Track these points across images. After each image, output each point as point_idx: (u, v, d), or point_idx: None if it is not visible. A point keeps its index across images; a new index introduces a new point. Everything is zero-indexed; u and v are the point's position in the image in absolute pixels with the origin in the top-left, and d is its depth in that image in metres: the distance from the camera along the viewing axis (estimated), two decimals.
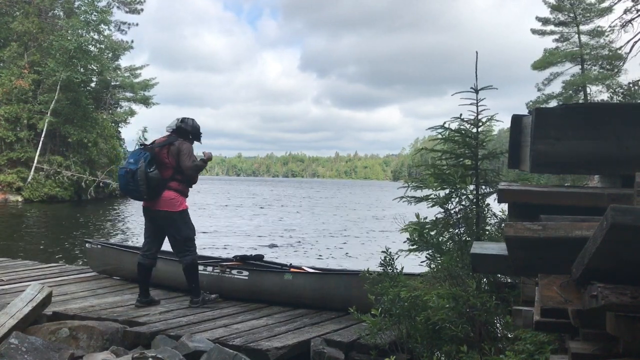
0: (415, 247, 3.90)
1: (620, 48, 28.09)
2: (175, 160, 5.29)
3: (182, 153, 5.28)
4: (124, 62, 61.67)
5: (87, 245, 7.12)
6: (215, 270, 5.75)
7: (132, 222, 20.79)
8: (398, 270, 4.06)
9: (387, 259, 4.07)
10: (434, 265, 3.84)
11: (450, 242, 3.94)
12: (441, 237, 3.92)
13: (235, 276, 5.64)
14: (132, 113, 47.09)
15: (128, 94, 47.10)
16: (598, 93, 39.55)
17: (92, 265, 6.98)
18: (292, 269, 5.95)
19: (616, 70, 36.29)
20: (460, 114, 3.98)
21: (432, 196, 4.07)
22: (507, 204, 2.54)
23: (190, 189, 5.53)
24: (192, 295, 5.37)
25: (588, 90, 40.28)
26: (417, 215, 3.94)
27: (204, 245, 12.48)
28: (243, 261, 6.18)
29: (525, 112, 2.57)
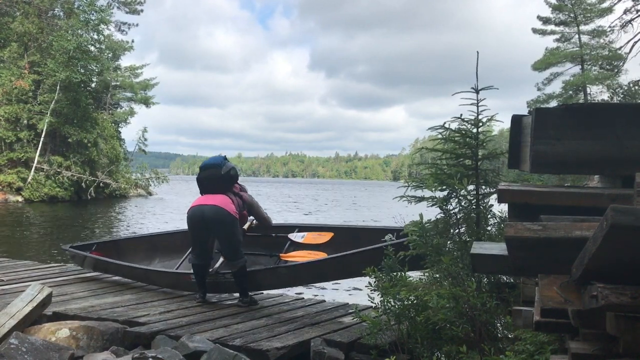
0: (415, 247, 3.89)
1: (620, 48, 28.07)
2: None
3: None
4: (127, 61, 61.79)
5: (69, 250, 6.86)
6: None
7: (132, 222, 20.80)
8: (400, 269, 4.04)
9: (389, 259, 4.06)
10: (434, 266, 3.83)
11: (451, 242, 3.93)
12: (441, 238, 3.91)
13: (230, 280, 5.60)
14: (132, 113, 47.15)
15: (128, 94, 47.17)
16: (598, 93, 39.56)
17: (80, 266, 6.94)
18: (281, 256, 5.89)
19: (616, 70, 36.29)
20: (461, 114, 3.98)
21: (433, 197, 4.07)
22: (507, 204, 2.54)
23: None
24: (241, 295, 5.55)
25: (588, 90, 40.26)
26: (421, 215, 3.94)
27: None
28: None
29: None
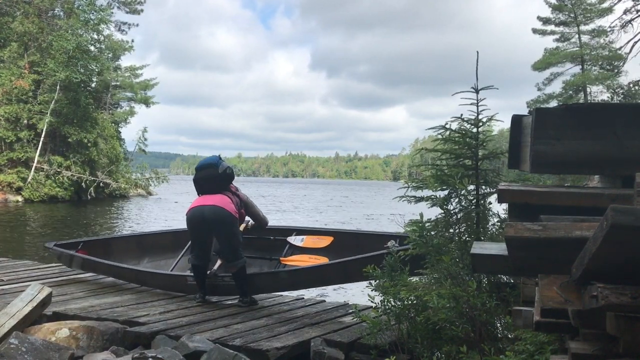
0: (415, 247, 3.89)
1: (620, 48, 28.07)
2: None
3: None
4: (128, 61, 61.90)
5: (53, 248, 6.67)
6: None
7: (132, 222, 20.79)
8: (402, 268, 4.04)
9: (390, 258, 4.06)
10: (434, 265, 3.83)
11: (451, 242, 3.93)
12: (442, 237, 3.91)
13: (229, 283, 5.60)
14: (132, 113, 47.16)
15: (128, 94, 47.18)
16: (598, 93, 39.57)
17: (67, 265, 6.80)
18: (282, 260, 5.89)
19: (616, 70, 36.28)
20: (461, 114, 3.98)
21: (433, 197, 4.07)
22: (507, 204, 2.54)
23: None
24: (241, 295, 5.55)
25: (588, 90, 40.26)
26: (421, 215, 3.94)
27: None
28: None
29: None
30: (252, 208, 5.79)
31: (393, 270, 3.97)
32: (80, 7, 33.91)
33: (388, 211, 25.68)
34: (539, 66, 41.56)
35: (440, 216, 4.00)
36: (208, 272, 5.58)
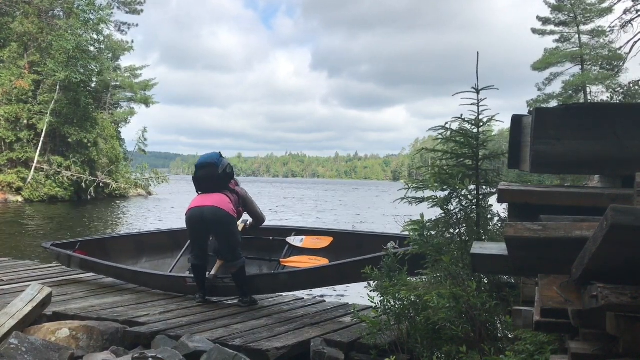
0: (415, 247, 3.89)
1: (620, 48, 28.08)
2: None
3: None
4: (129, 61, 61.92)
5: (50, 248, 6.63)
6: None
7: (131, 222, 20.79)
8: (400, 269, 4.04)
9: (387, 259, 4.06)
10: (434, 265, 3.83)
11: (451, 242, 3.93)
12: (442, 237, 3.91)
13: (228, 284, 5.60)
14: (132, 113, 47.19)
15: (128, 94, 47.21)
16: (598, 93, 39.56)
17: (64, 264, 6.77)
18: (282, 262, 5.88)
19: (616, 70, 36.28)
20: (461, 114, 3.98)
21: (433, 197, 4.07)
22: (507, 204, 2.53)
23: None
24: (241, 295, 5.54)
25: (588, 90, 40.26)
26: (422, 216, 3.94)
27: None
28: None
29: None
30: (250, 205, 5.77)
31: (391, 271, 3.97)
32: (80, 7, 33.87)
33: (389, 211, 25.68)
34: (538, 66, 41.57)
35: (440, 216, 4.00)
36: (207, 273, 5.57)
